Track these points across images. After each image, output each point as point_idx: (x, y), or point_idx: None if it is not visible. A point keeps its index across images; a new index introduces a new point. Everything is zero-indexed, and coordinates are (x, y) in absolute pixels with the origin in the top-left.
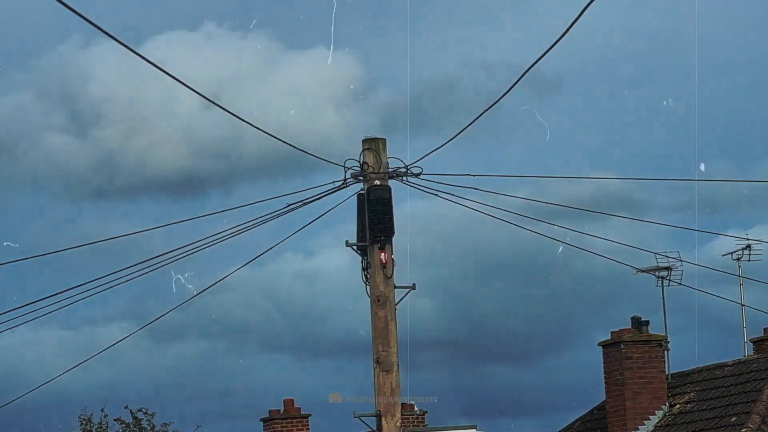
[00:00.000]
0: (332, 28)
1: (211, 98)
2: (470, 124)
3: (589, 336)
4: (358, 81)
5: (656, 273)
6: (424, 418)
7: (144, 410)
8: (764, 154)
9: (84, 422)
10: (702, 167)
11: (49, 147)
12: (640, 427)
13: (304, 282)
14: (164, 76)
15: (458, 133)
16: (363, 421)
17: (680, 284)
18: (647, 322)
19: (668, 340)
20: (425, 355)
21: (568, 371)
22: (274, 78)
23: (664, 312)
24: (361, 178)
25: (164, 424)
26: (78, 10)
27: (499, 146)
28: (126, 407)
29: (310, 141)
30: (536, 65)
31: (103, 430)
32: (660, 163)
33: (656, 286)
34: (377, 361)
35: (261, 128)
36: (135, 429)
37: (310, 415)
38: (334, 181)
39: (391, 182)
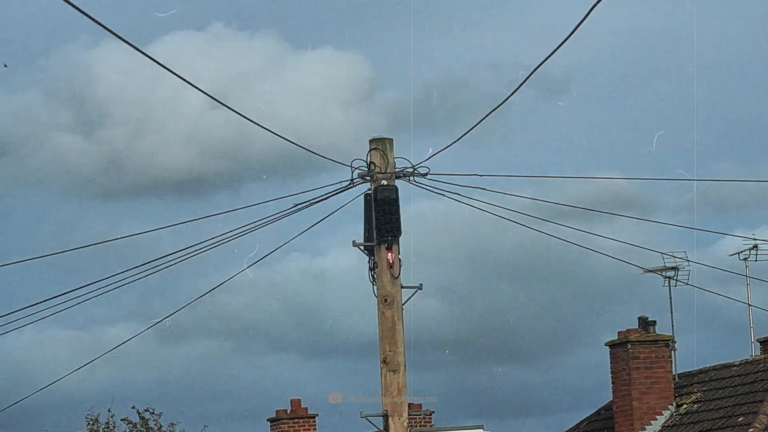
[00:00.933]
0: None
1: (217, 98)
2: (477, 124)
3: (596, 336)
4: (365, 81)
5: (663, 273)
6: (431, 418)
7: (151, 410)
8: None
9: (91, 422)
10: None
11: (56, 147)
12: (647, 427)
13: (310, 282)
14: (171, 76)
15: (465, 133)
16: (370, 421)
17: (687, 284)
18: (654, 322)
19: (675, 340)
20: (432, 355)
21: (575, 371)
22: (281, 78)
23: (671, 312)
24: (368, 178)
25: (171, 424)
26: (85, 10)
27: (506, 146)
28: (133, 407)
29: (317, 141)
30: (543, 65)
31: (110, 430)
32: (667, 162)
33: (663, 286)
34: (384, 361)
35: (268, 128)
36: (142, 429)
37: (317, 415)
38: (341, 181)
39: (398, 182)
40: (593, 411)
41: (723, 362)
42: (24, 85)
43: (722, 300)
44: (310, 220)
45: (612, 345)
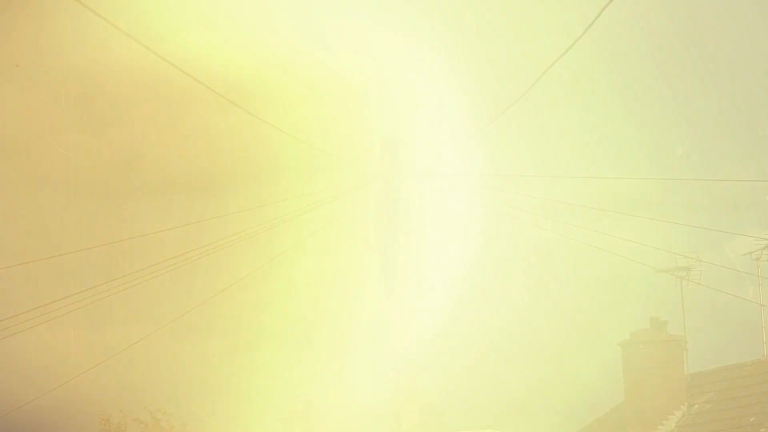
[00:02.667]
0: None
1: (231, 98)
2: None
3: (607, 336)
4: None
5: (675, 273)
6: (441, 419)
7: (163, 411)
8: None
9: (102, 423)
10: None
11: (67, 146)
12: (658, 427)
13: (323, 281)
14: (184, 76)
15: (477, 133)
16: None
17: (699, 284)
18: (666, 322)
19: (687, 340)
20: (443, 355)
21: (587, 371)
22: (294, 77)
23: (683, 312)
24: (380, 177)
25: (183, 424)
26: (96, 10)
27: (518, 146)
28: (145, 408)
29: (330, 141)
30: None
31: (122, 430)
32: (678, 162)
33: (675, 286)
34: None
35: (280, 128)
36: (154, 430)
37: None
38: (353, 181)
39: (409, 182)
40: (605, 411)
41: (735, 362)
42: (34, 84)
43: (734, 300)
44: (322, 219)
45: (624, 345)
